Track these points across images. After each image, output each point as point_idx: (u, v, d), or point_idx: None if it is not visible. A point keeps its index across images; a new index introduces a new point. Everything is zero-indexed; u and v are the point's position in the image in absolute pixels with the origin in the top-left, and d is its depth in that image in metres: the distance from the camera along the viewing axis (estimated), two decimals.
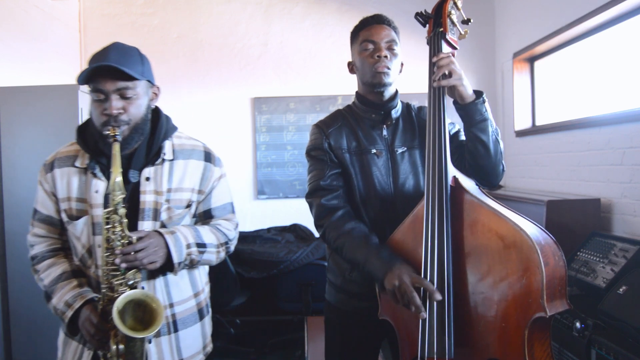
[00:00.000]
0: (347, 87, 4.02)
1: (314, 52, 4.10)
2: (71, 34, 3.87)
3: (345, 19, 4.06)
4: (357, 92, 1.61)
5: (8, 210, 2.63)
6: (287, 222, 3.98)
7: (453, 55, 1.40)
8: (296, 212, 4.01)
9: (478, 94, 1.37)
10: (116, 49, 1.31)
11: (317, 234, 3.49)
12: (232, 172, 4.06)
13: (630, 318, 1.72)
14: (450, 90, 1.36)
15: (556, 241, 1.21)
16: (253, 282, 3.38)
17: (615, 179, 2.56)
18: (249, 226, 4.01)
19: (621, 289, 1.85)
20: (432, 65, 1.37)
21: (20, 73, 3.09)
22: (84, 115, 2.65)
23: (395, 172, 1.51)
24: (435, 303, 1.23)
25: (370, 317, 1.46)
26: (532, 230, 1.19)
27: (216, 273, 3.07)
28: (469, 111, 1.36)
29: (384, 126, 1.54)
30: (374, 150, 1.51)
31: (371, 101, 1.55)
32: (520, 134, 3.66)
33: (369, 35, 1.49)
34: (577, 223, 2.55)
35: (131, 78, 1.29)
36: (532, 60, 3.69)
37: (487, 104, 1.38)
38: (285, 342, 3.58)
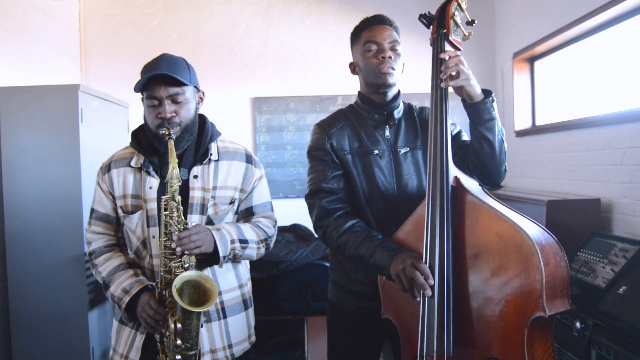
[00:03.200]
0: (347, 87, 4.02)
1: (314, 52, 4.10)
2: (71, 34, 3.86)
3: (345, 19, 4.06)
4: (359, 92, 1.61)
5: (8, 210, 2.63)
6: (287, 222, 3.98)
7: None
8: (296, 212, 4.00)
9: (487, 93, 1.38)
10: (166, 60, 1.45)
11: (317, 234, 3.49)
12: None
13: (630, 318, 1.72)
14: (457, 90, 1.36)
15: (558, 241, 1.22)
16: (253, 282, 3.35)
17: (615, 179, 2.56)
18: None
19: (621, 289, 1.85)
20: (436, 65, 1.38)
21: (20, 73, 3.09)
22: (84, 115, 2.64)
23: (398, 172, 1.51)
24: (435, 302, 1.24)
25: (373, 316, 1.47)
26: (533, 230, 1.19)
27: None
28: (478, 110, 1.37)
29: (387, 126, 1.55)
30: (376, 151, 1.52)
31: (374, 101, 1.55)
32: (520, 134, 3.66)
33: (371, 36, 1.50)
34: (577, 223, 2.55)
35: (181, 84, 1.43)
36: (532, 60, 3.69)
37: (495, 103, 1.39)
38: (285, 342, 3.58)
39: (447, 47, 1.39)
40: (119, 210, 1.54)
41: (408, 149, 1.54)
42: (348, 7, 4.06)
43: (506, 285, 1.19)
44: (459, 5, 1.40)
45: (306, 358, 2.48)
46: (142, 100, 1.48)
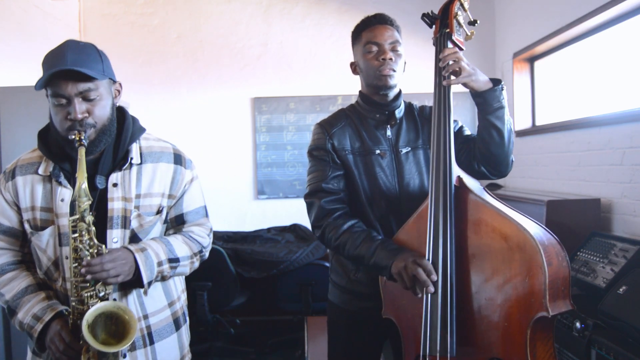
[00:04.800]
0: (347, 87, 4.02)
1: (314, 52, 4.10)
2: (71, 34, 3.86)
3: (345, 19, 4.05)
4: (360, 92, 1.60)
5: None
6: (287, 222, 3.98)
7: None
8: (296, 212, 4.01)
9: (495, 81, 1.37)
10: (72, 49, 1.24)
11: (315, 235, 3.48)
12: (232, 172, 4.06)
13: (630, 318, 1.72)
14: (464, 85, 1.36)
15: (560, 242, 1.22)
16: (253, 282, 3.38)
17: (615, 179, 2.56)
18: (248, 226, 4.01)
19: (621, 289, 1.85)
20: (438, 65, 1.38)
21: (20, 73, 3.08)
22: None
23: (400, 172, 1.51)
24: (438, 302, 1.24)
25: (374, 317, 1.47)
26: (535, 230, 1.19)
27: (216, 273, 3.08)
28: (487, 98, 1.36)
29: (388, 126, 1.54)
30: (378, 151, 1.51)
31: (375, 101, 1.54)
32: (520, 134, 3.66)
33: (372, 36, 1.49)
34: (577, 223, 2.55)
35: (92, 78, 1.23)
36: (532, 60, 3.69)
37: (504, 92, 1.38)
38: (285, 342, 3.58)
39: (450, 46, 1.40)
40: (26, 225, 1.32)
41: (409, 148, 1.53)
42: (348, 7, 4.06)
43: (509, 285, 1.19)
44: (461, 5, 1.41)
45: (306, 358, 2.48)
46: (47, 96, 1.26)
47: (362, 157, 1.52)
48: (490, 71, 4.10)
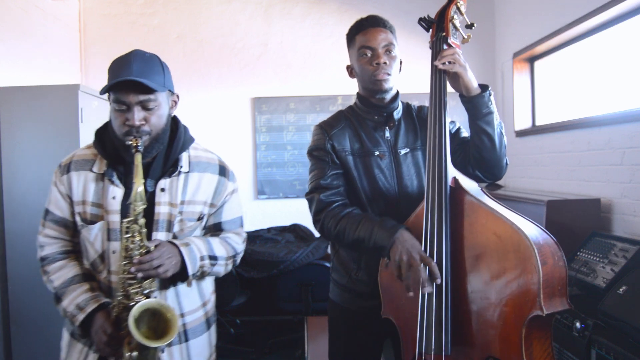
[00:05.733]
0: (347, 87, 4.02)
1: (314, 52, 4.10)
2: (71, 34, 3.87)
3: (345, 19, 4.05)
4: (358, 94, 1.60)
5: (8, 210, 2.63)
6: (287, 222, 3.98)
7: None
8: (296, 212, 4.01)
9: (484, 87, 1.39)
10: (138, 59, 1.31)
11: (317, 234, 3.49)
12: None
13: (630, 318, 1.72)
14: (454, 82, 1.38)
15: (557, 241, 1.22)
16: (253, 282, 3.38)
17: (615, 179, 2.56)
18: (248, 226, 4.00)
19: (621, 289, 1.85)
20: (434, 68, 1.39)
21: (20, 73, 3.09)
22: (84, 115, 2.65)
23: (399, 173, 1.52)
24: (434, 301, 1.25)
25: (375, 316, 1.47)
26: (531, 230, 1.19)
27: None
28: (476, 103, 1.38)
29: (387, 128, 1.55)
30: (377, 153, 1.52)
31: (373, 103, 1.55)
32: (520, 134, 3.66)
33: (365, 41, 1.48)
34: (577, 223, 2.55)
35: (153, 90, 1.30)
36: (532, 60, 3.69)
37: (492, 97, 1.40)
38: (285, 342, 3.58)
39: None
40: (77, 218, 1.39)
41: (408, 149, 1.54)
42: (348, 7, 4.07)
43: (504, 284, 1.19)
44: (458, 9, 1.42)
45: (306, 358, 2.48)
46: (109, 100, 1.33)
47: (361, 159, 1.52)
48: (490, 71, 4.10)
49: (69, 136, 2.61)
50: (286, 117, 4.10)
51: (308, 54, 4.10)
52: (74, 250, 1.45)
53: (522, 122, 3.72)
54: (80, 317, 1.30)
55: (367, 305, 1.53)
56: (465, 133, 1.57)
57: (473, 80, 1.37)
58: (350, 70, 1.59)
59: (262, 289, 3.49)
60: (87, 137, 2.67)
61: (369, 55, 1.48)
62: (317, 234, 3.50)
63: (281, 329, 3.69)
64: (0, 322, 2.62)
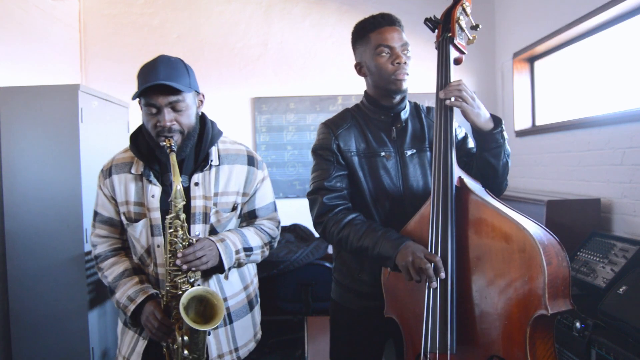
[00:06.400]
0: (347, 87, 4.02)
1: (314, 52, 4.10)
2: (71, 34, 3.86)
3: (345, 19, 4.06)
4: (366, 92, 1.59)
5: (8, 210, 2.63)
6: (287, 222, 3.97)
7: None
8: (296, 212, 4.01)
9: (497, 121, 1.38)
10: (164, 64, 1.39)
11: (317, 234, 3.49)
12: None
13: (630, 318, 1.72)
14: (465, 115, 1.37)
15: (560, 242, 1.23)
16: None
17: (615, 179, 2.56)
18: None
19: (621, 289, 1.85)
20: (440, 68, 1.40)
21: (20, 73, 3.09)
22: (84, 115, 2.64)
23: (404, 174, 1.51)
24: (438, 299, 1.25)
25: (376, 316, 1.48)
26: (535, 230, 1.20)
27: None
28: (486, 138, 1.38)
29: (393, 128, 1.54)
30: (383, 153, 1.51)
31: (381, 104, 1.54)
32: (520, 134, 3.66)
33: (383, 39, 1.46)
34: (577, 223, 2.55)
35: (180, 91, 1.38)
36: (532, 60, 3.69)
37: (505, 132, 1.39)
38: (285, 342, 3.58)
39: (452, 50, 1.41)
40: (122, 217, 1.52)
41: (414, 150, 1.53)
42: (348, 7, 4.07)
43: (509, 283, 1.19)
44: (464, 9, 1.42)
45: (306, 358, 2.48)
46: (140, 105, 1.43)
47: (367, 159, 1.51)
48: (490, 71, 4.10)
49: (69, 136, 2.61)
50: (286, 117, 4.10)
51: (308, 54, 4.10)
52: (123, 247, 1.59)
53: (522, 122, 3.72)
54: (132, 307, 1.43)
55: (369, 305, 1.53)
56: (472, 143, 1.57)
57: (482, 114, 1.36)
58: (360, 68, 1.56)
59: (262, 289, 3.45)
60: (87, 137, 2.67)
61: (388, 53, 1.46)
62: (317, 234, 3.49)
63: (281, 329, 3.69)
64: (0, 322, 2.62)
